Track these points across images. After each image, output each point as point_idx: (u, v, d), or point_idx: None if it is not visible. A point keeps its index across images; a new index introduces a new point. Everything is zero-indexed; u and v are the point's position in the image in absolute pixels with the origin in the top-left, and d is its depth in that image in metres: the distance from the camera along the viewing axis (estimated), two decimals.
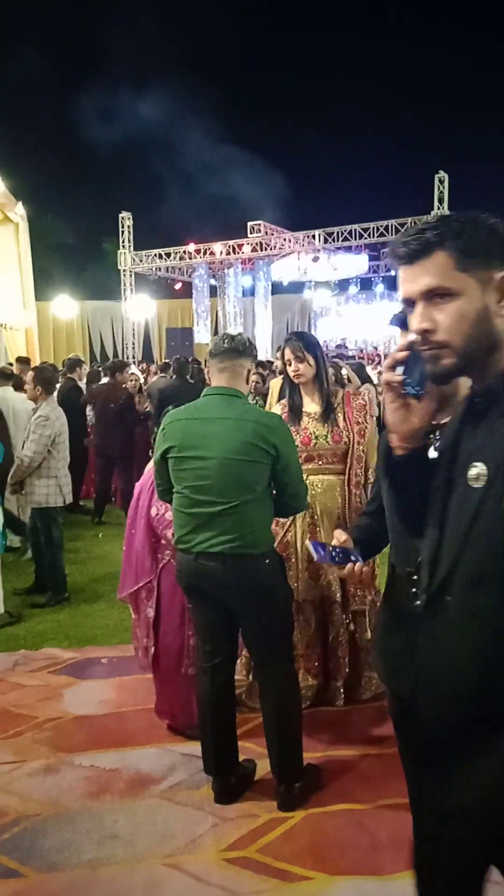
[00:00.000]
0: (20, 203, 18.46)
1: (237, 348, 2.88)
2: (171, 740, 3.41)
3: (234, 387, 2.83)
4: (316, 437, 3.51)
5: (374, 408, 4.21)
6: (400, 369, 1.32)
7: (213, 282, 24.26)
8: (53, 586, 5.51)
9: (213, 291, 24.60)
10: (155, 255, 22.49)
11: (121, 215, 22.60)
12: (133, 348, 23.89)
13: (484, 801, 1.34)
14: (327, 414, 3.51)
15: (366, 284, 23.47)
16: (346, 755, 3.22)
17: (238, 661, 3.34)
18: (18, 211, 19.05)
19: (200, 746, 3.01)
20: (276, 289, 24.08)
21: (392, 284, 21.89)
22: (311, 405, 3.56)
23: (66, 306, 24.06)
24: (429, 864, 1.54)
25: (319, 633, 3.60)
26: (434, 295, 1.30)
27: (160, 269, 23.39)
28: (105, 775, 3.17)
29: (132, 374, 9.35)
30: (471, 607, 1.31)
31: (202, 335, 23.06)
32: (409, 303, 1.34)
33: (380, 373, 12.88)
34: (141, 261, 22.72)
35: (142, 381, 9.84)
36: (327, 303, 24.38)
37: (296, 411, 3.55)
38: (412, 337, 1.33)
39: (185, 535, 2.80)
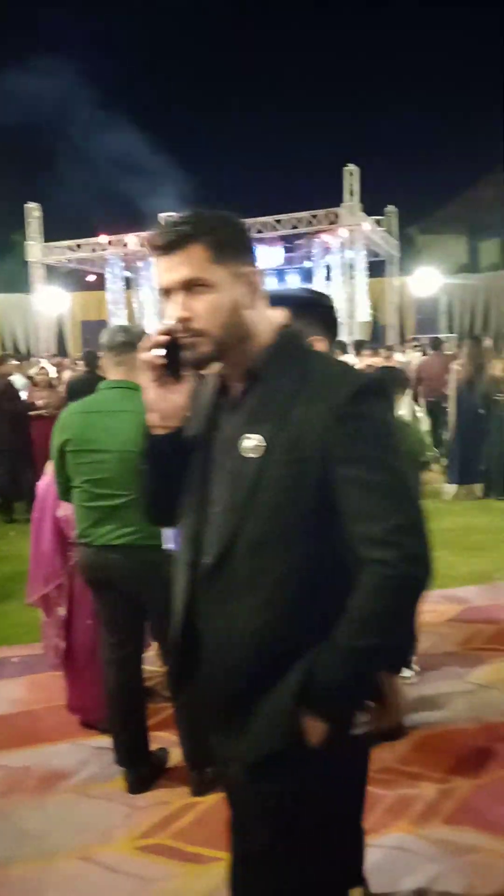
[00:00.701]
0: None
1: (133, 341, 2.87)
2: (83, 735, 3.38)
3: (131, 380, 2.82)
4: None
5: None
6: (160, 351, 1.40)
7: (127, 274, 23.95)
8: None
9: (128, 284, 24.29)
10: (66, 246, 22.00)
11: (27, 206, 21.99)
12: (46, 342, 23.34)
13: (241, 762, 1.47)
14: None
15: (281, 276, 23.61)
16: None
17: (153, 651, 3.36)
18: None
19: (111, 739, 3.00)
20: None
21: (307, 276, 22.12)
22: None
23: None
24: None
25: None
26: (192, 285, 1.37)
27: (71, 260, 22.91)
28: (15, 774, 3.12)
29: (42, 368, 9.18)
30: (252, 572, 1.39)
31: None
32: (167, 292, 1.41)
33: None
34: (51, 252, 22.19)
35: (53, 375, 9.68)
36: None
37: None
38: (170, 322, 1.40)
39: (87, 528, 2.79)
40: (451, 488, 7.83)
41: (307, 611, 1.38)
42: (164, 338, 1.39)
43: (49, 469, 3.43)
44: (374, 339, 21.59)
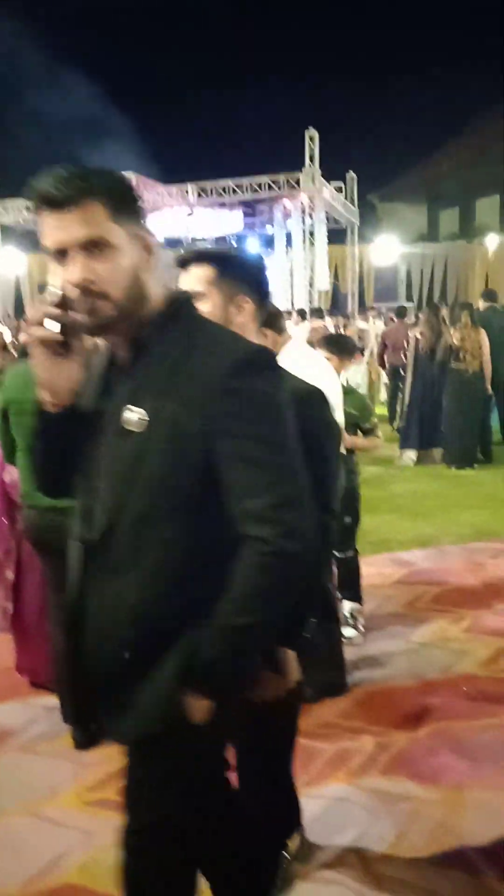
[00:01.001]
0: None
1: None
2: (32, 694, 3.41)
3: None
4: None
5: None
6: (53, 325, 1.31)
7: None
8: None
9: None
10: (23, 206, 21.45)
11: None
12: (3, 304, 22.85)
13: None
14: None
15: (241, 242, 23.41)
16: None
17: None
18: None
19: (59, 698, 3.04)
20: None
21: (268, 242, 21.97)
22: None
23: None
24: None
25: None
26: (92, 245, 1.30)
27: (28, 220, 22.37)
28: None
29: None
30: (135, 547, 1.38)
31: None
32: (60, 253, 1.32)
33: None
34: (6, 211, 21.62)
35: (9, 339, 9.53)
36: None
37: None
38: (61, 289, 1.31)
39: (32, 490, 2.78)
40: (410, 454, 7.95)
41: (191, 587, 1.36)
42: (57, 310, 1.30)
43: None
44: (335, 306, 21.64)
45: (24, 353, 7.08)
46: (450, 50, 42.45)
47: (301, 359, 2.88)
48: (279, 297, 20.78)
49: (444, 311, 8.91)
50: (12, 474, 3.27)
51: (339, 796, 2.63)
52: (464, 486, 6.92)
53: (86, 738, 2.99)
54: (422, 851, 2.35)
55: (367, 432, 3.63)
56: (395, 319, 12.07)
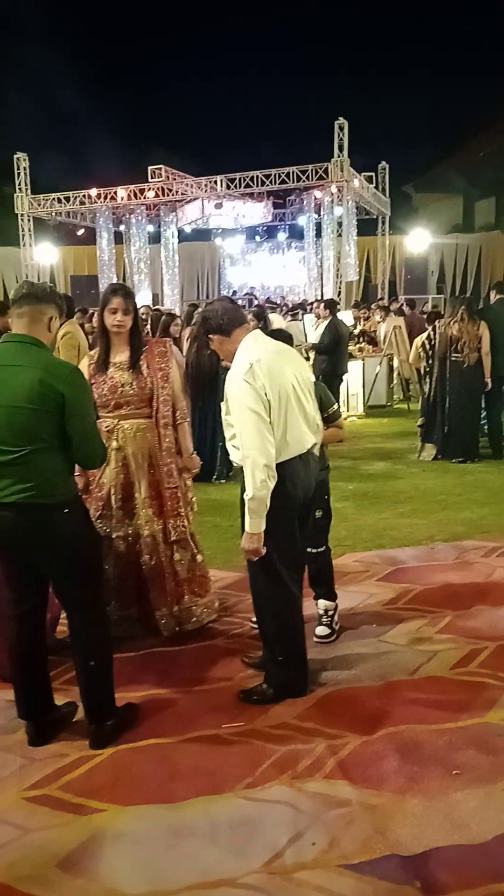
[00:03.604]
0: None
1: (37, 294, 2.84)
2: None
3: (31, 334, 2.79)
4: (122, 385, 3.64)
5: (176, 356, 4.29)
6: None
7: (119, 227, 23.60)
8: None
9: (119, 238, 23.94)
10: (55, 199, 21.65)
11: (16, 156, 21.59)
12: None
13: None
14: (134, 362, 3.65)
15: (271, 233, 23.29)
16: (164, 695, 3.32)
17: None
18: None
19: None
20: (184, 236, 23.64)
21: (296, 233, 21.83)
22: (119, 355, 3.66)
23: None
24: None
25: (134, 566, 3.72)
26: None
27: (60, 213, 22.57)
28: None
29: None
30: None
31: (107, 283, 22.51)
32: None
33: (296, 318, 12.98)
34: (40, 205, 21.85)
35: None
36: (236, 251, 24.15)
37: (103, 361, 3.62)
38: None
39: None
40: (430, 449, 7.79)
41: None
42: None
43: None
44: (364, 298, 21.41)
45: None
46: (486, 38, 41.47)
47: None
48: (308, 289, 20.65)
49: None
50: None
51: (278, 799, 2.58)
52: (469, 482, 6.77)
53: (37, 734, 3.00)
54: (350, 859, 2.29)
55: (327, 420, 3.55)
56: (406, 312, 11.92)
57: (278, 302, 18.06)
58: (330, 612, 3.79)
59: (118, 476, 3.67)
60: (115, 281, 22.15)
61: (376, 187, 21.27)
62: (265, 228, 23.11)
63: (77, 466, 3.04)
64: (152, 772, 2.78)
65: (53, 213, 22.55)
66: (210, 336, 3.26)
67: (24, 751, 2.94)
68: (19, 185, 21.79)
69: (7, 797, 2.67)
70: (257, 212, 21.13)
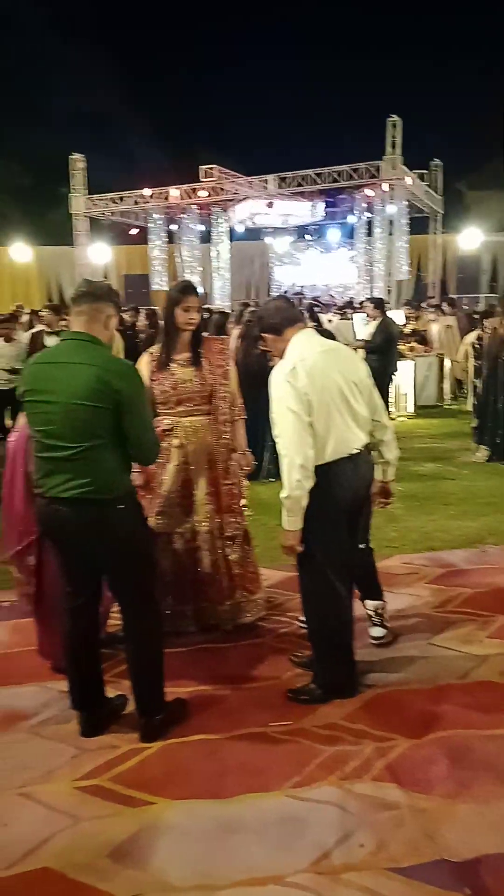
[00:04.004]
0: None
1: (95, 293, 2.90)
2: (51, 678, 3.50)
3: (90, 332, 2.85)
4: (184, 382, 3.65)
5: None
6: None
7: (171, 227, 23.80)
8: None
9: (171, 237, 24.14)
10: (109, 199, 21.96)
11: (71, 157, 21.94)
12: None
13: None
14: (195, 359, 3.68)
15: (321, 231, 23.17)
16: (212, 691, 3.35)
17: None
18: None
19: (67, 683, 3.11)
20: (234, 235, 23.71)
21: (348, 232, 21.68)
22: (181, 352, 3.69)
23: (21, 252, 23.52)
24: None
25: (191, 562, 3.75)
26: None
27: (114, 213, 22.87)
28: None
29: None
30: None
31: (159, 282, 22.72)
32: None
33: (346, 317, 12.92)
34: (94, 205, 22.18)
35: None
36: (286, 249, 24.12)
37: (165, 359, 3.66)
38: None
39: (41, 479, 2.85)
40: (484, 450, 7.67)
41: None
42: None
43: (20, 422, 3.51)
44: (416, 297, 21.16)
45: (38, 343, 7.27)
46: None
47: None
48: (358, 287, 20.50)
49: None
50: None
51: (326, 799, 2.59)
52: None
53: (89, 725, 3.06)
54: (399, 862, 2.29)
55: None
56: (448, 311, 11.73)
57: (326, 301, 17.97)
58: (380, 612, 3.76)
59: (178, 473, 3.71)
60: (165, 280, 22.38)
61: (429, 185, 21.00)
62: (316, 227, 23.01)
63: (137, 464, 3.09)
64: (201, 767, 2.82)
65: (107, 213, 22.86)
66: (263, 334, 3.29)
67: (76, 741, 3.01)
68: (74, 185, 22.15)
69: (60, 786, 2.73)
70: (307, 210, 21.05)
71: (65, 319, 9.90)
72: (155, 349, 3.78)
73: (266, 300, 3.83)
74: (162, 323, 3.99)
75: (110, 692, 3.20)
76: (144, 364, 3.69)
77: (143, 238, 24.32)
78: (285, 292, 21.35)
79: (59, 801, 2.65)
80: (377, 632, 3.72)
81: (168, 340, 3.71)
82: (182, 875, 2.29)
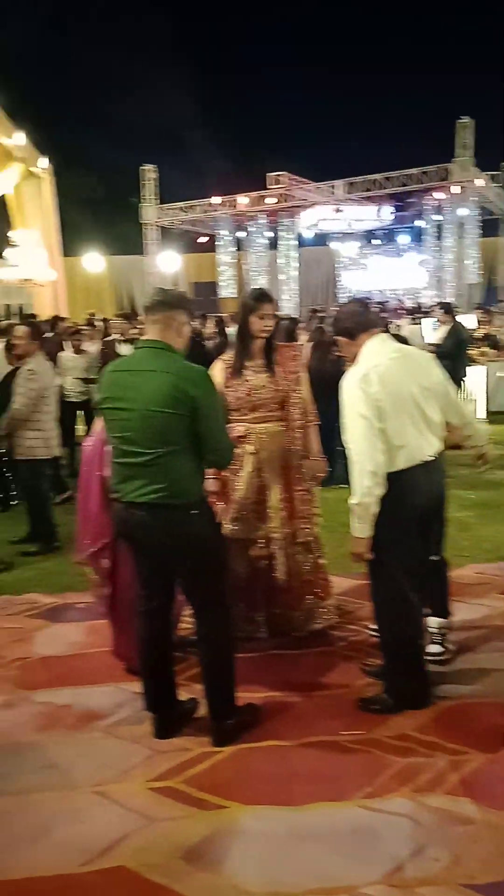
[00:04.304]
0: (44, 157, 18.42)
1: (169, 301, 2.95)
2: (125, 680, 3.56)
3: (164, 340, 2.90)
4: (258, 389, 3.66)
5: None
6: None
7: (238, 234, 24.02)
8: (42, 536, 5.71)
9: (239, 245, 24.34)
10: (178, 208, 22.32)
11: (142, 168, 22.39)
12: None
13: None
14: (269, 366, 3.70)
15: (389, 235, 22.97)
16: (283, 697, 3.35)
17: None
18: (43, 165, 19.08)
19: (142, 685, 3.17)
20: (303, 241, 23.74)
21: (416, 236, 21.43)
22: (254, 359, 3.72)
23: (94, 261, 24.13)
24: None
25: (264, 568, 3.77)
26: None
27: (184, 222, 23.22)
28: (57, 711, 3.36)
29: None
30: None
31: (227, 289, 22.95)
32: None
33: (415, 322, 12.79)
34: (164, 214, 22.56)
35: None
36: (353, 255, 24.01)
37: (239, 366, 3.68)
38: None
39: (118, 484, 2.92)
40: None
41: None
42: None
43: (96, 428, 3.60)
44: (487, 300, 20.73)
45: (111, 352, 7.39)
46: None
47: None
48: (428, 292, 20.23)
49: None
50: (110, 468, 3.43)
51: (399, 811, 2.56)
52: None
53: (163, 727, 3.10)
54: (475, 878, 2.24)
55: None
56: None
57: (395, 306, 17.80)
58: (443, 630, 3.66)
59: (252, 480, 3.74)
60: (232, 287, 22.58)
61: (501, 186, 20.57)
62: (384, 231, 22.83)
63: (211, 470, 3.13)
64: (272, 773, 2.82)
65: (176, 222, 23.23)
66: (337, 337, 3.29)
67: (149, 742, 3.06)
68: (145, 195, 22.59)
69: (134, 786, 2.78)
70: (375, 215, 20.90)
71: (136, 328, 10.11)
72: (228, 356, 3.82)
73: (343, 303, 3.83)
74: (229, 330, 4.03)
75: (182, 695, 3.25)
76: (218, 371, 3.73)
77: (210, 246, 24.62)
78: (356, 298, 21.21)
79: (134, 800, 2.69)
80: (435, 648, 3.62)
81: (242, 347, 3.75)
82: (255, 880, 2.30)
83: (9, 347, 6.66)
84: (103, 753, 3.01)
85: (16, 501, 6.55)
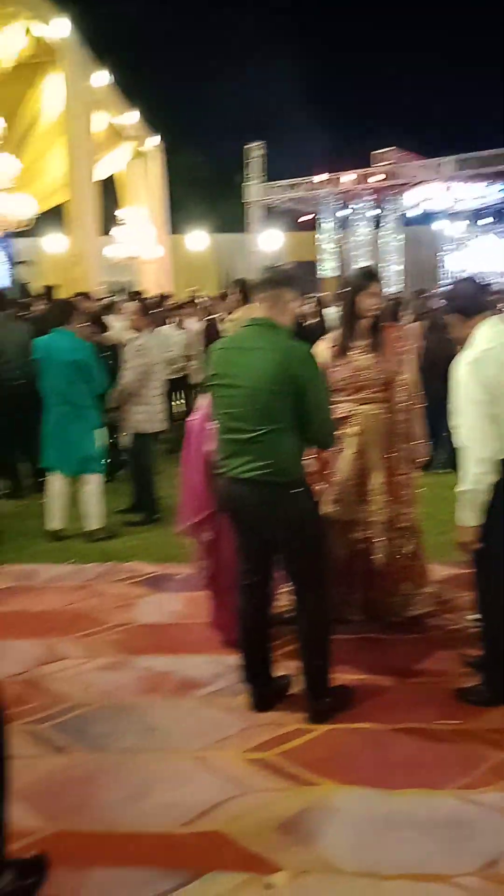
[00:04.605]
0: (156, 135, 18.68)
1: (276, 278, 2.97)
2: (222, 651, 3.64)
3: (272, 317, 2.92)
4: (363, 369, 3.66)
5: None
6: None
7: (342, 213, 23.70)
8: (146, 507, 5.89)
9: (342, 224, 24.03)
10: (281, 186, 22.21)
11: (247, 146, 22.36)
12: None
13: None
14: (375, 346, 3.67)
15: (499, 215, 22.13)
16: (377, 681, 3.35)
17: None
18: (154, 143, 19.35)
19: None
20: (407, 220, 23.21)
21: None
22: (359, 339, 3.69)
23: (198, 239, 24.38)
24: None
25: (363, 551, 3.75)
26: None
27: (290, 200, 23.08)
28: (157, 676, 3.48)
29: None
30: None
31: (327, 269, 22.74)
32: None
33: None
34: (268, 192, 22.51)
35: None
36: (461, 234, 23.28)
37: (344, 345, 3.66)
38: None
39: (223, 459, 2.98)
40: None
41: None
42: None
43: (200, 404, 3.67)
44: None
45: (213, 330, 7.41)
46: None
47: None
48: None
49: None
50: (212, 444, 3.50)
51: (496, 805, 2.52)
52: None
53: (259, 701, 3.16)
54: None
55: None
56: None
57: (501, 288, 17.12)
58: None
59: (355, 461, 3.73)
60: (333, 267, 22.35)
61: None
62: (495, 210, 22.03)
63: (312, 450, 3.14)
64: (367, 755, 2.84)
65: (279, 200, 23.14)
66: (448, 315, 3.21)
67: (245, 714, 3.12)
68: (249, 173, 22.58)
69: (230, 755, 2.85)
70: (488, 193, 20.18)
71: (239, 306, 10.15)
72: (333, 336, 3.81)
73: (457, 281, 3.73)
74: (327, 311, 4.01)
75: (277, 671, 3.29)
76: (323, 350, 3.72)
77: (311, 225, 24.41)
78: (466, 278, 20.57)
79: (231, 769, 2.77)
80: None
81: (348, 327, 3.72)
82: (348, 860, 2.32)
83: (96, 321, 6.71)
84: (201, 721, 3.10)
85: (119, 473, 6.76)
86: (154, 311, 6.91)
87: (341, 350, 3.72)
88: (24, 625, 4.03)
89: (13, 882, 2.11)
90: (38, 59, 13.42)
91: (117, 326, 7.23)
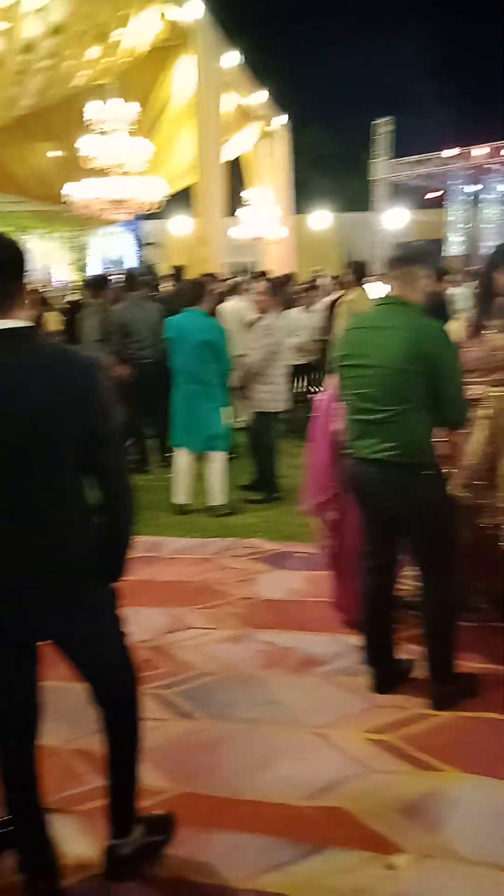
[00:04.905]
0: (283, 115, 18.65)
1: (408, 255, 2.91)
2: (343, 631, 3.64)
3: (404, 295, 2.87)
4: (498, 349, 3.50)
5: None
6: None
7: (474, 187, 22.80)
8: (267, 486, 5.96)
9: (472, 201, 23.13)
10: (408, 163, 21.60)
11: (374, 122, 21.86)
12: (383, 261, 23.43)
13: None
14: None
15: None
16: (502, 671, 3.25)
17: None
18: (281, 122, 19.33)
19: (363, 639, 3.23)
20: None
21: None
22: (494, 319, 3.53)
23: (321, 219, 24.22)
24: None
25: (491, 538, 3.62)
26: None
27: (419, 176, 22.43)
28: (279, 651, 3.53)
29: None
30: None
31: (455, 247, 21.99)
32: None
33: None
34: (395, 169, 21.96)
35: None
36: None
37: (479, 325, 3.53)
38: None
39: (352, 440, 2.96)
40: None
41: None
42: None
43: (328, 384, 3.66)
44: None
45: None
46: None
47: None
48: None
49: None
50: (340, 424, 3.48)
51: None
52: None
53: (381, 682, 3.15)
54: None
55: None
56: None
57: None
58: None
59: (485, 445, 3.61)
60: (461, 245, 21.56)
61: None
62: None
63: (441, 432, 3.07)
64: (491, 745, 2.77)
65: (406, 177, 22.53)
66: None
67: (366, 695, 3.12)
68: (376, 150, 22.10)
69: (352, 734, 2.86)
70: None
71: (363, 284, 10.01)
72: (467, 315, 3.68)
73: None
74: (453, 290, 3.85)
75: (399, 654, 3.26)
76: (457, 330, 3.61)
77: (437, 203, 23.64)
78: None
79: (352, 747, 2.78)
80: None
81: (484, 306, 3.59)
82: (470, 848, 2.28)
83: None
84: (323, 698, 3.12)
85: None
86: (282, 292, 6.92)
87: (476, 329, 3.59)
88: (152, 594, 4.18)
89: (143, 837, 2.21)
90: (172, 43, 13.62)
91: (241, 306, 7.31)
